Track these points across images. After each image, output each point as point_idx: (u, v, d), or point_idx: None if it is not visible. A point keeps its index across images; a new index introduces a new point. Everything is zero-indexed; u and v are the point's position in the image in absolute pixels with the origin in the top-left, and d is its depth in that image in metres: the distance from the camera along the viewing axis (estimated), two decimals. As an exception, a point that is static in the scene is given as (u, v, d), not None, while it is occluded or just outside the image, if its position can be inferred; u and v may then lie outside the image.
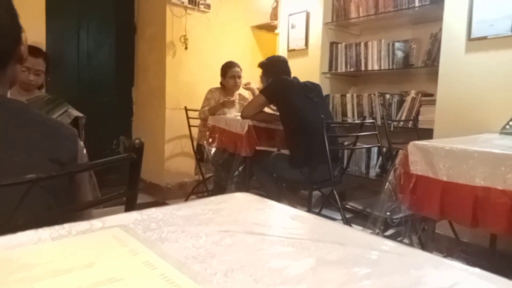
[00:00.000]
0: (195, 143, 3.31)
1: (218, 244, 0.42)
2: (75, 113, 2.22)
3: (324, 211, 3.02)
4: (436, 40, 2.62)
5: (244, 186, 2.87)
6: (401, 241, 2.11)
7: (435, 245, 2.28)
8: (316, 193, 3.06)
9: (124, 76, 3.68)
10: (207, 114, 3.04)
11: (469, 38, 2.28)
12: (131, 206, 0.68)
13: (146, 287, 0.32)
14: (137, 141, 0.67)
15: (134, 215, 0.49)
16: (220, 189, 3.08)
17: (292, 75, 2.69)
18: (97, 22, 3.47)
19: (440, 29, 2.46)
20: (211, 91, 3.22)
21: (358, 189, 3.27)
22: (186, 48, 3.42)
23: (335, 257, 0.41)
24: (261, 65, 2.80)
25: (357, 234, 0.50)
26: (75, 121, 2.24)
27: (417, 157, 1.50)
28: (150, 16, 3.51)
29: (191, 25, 3.44)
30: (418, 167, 1.50)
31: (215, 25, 3.62)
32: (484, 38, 2.21)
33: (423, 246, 1.95)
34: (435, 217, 1.45)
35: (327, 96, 3.28)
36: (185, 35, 3.39)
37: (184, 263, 0.37)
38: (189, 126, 3.30)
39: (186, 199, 3.40)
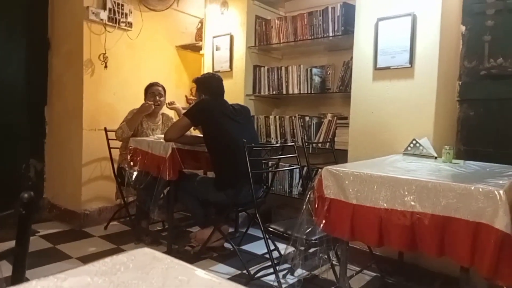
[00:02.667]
0: (115, 166, 3.15)
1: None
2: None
3: (251, 230, 3.07)
4: (348, 67, 2.85)
5: (168, 210, 2.79)
6: (321, 257, 2.21)
7: (350, 259, 2.44)
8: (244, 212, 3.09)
9: (35, 94, 3.40)
10: (126, 131, 2.92)
11: (376, 68, 2.51)
12: (20, 265, 0.62)
13: None
14: (25, 195, 0.62)
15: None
16: (142, 213, 2.96)
17: (218, 96, 2.71)
18: (4, 33, 3.17)
19: (351, 58, 2.68)
20: (132, 112, 3.10)
21: (283, 207, 3.37)
22: (106, 67, 3.27)
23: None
24: (196, 80, 2.80)
25: None
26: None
27: (330, 181, 1.60)
28: (66, 32, 3.31)
29: (111, 43, 3.31)
30: (331, 191, 1.60)
31: (137, 43, 3.53)
32: (388, 68, 2.46)
33: (339, 260, 2.07)
34: (347, 238, 1.55)
35: (253, 117, 3.36)
36: (104, 53, 3.25)
37: None
38: (109, 148, 3.14)
39: (107, 226, 3.20)
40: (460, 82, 2.49)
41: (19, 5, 3.24)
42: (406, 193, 1.39)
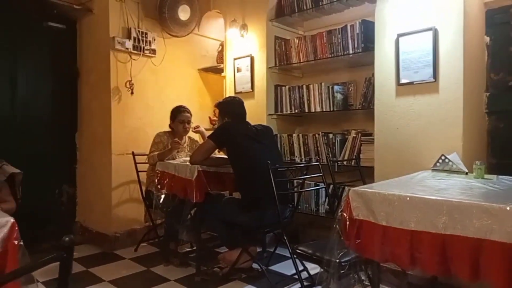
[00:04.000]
0: (143, 189, 3.23)
1: None
2: (11, 169, 2.09)
3: (279, 250, 3.05)
4: (370, 84, 2.84)
5: (195, 231, 2.82)
6: (352, 277, 2.18)
7: (383, 279, 2.38)
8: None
9: (65, 122, 3.55)
10: (156, 159, 3.00)
11: (398, 83, 2.49)
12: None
13: None
14: (67, 239, 0.65)
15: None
16: (170, 235, 3.01)
17: (243, 116, 2.75)
18: (33, 68, 3.34)
19: (373, 74, 2.67)
20: (159, 135, 3.19)
21: (310, 226, 3.34)
22: (132, 93, 3.39)
23: None
24: (218, 105, 2.86)
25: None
26: (11, 178, 2.11)
27: (358, 203, 1.58)
28: (94, 62, 3.46)
29: (136, 70, 3.43)
30: (360, 212, 1.58)
31: (161, 69, 3.65)
32: (411, 83, 2.43)
33: (371, 282, 2.02)
34: (378, 259, 1.52)
35: (275, 136, 3.38)
36: (130, 80, 3.37)
37: None
38: (137, 171, 3.23)
39: (137, 248, 3.26)
40: (487, 94, 2.44)
41: (47, 37, 3.42)
42: (437, 214, 1.36)
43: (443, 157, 2.16)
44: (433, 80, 2.33)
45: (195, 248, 3.04)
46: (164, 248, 3.05)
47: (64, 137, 3.57)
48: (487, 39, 2.43)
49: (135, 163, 3.23)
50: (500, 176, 1.96)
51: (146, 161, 3.15)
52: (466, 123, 2.26)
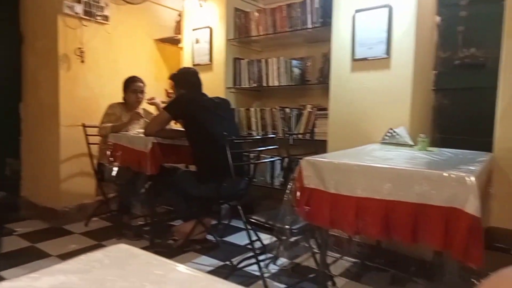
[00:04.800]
0: (95, 162, 3.11)
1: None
2: None
3: (233, 222, 3.09)
4: (327, 59, 2.87)
5: (150, 204, 2.78)
6: (302, 246, 2.25)
7: (331, 247, 2.49)
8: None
9: (9, 91, 3.31)
10: (108, 131, 2.88)
11: (353, 59, 2.54)
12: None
13: None
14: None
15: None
16: (124, 208, 2.94)
17: (199, 89, 2.70)
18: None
19: (330, 49, 2.70)
20: (112, 106, 3.07)
21: (265, 199, 3.39)
22: (82, 61, 3.20)
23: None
24: (172, 76, 2.78)
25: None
26: None
27: (310, 172, 1.62)
28: (40, 26, 3.21)
29: (88, 37, 3.24)
30: (311, 181, 1.62)
31: (114, 37, 3.46)
32: (365, 59, 2.49)
33: (320, 248, 2.11)
34: (326, 227, 1.58)
35: (233, 110, 3.36)
36: (81, 48, 3.18)
37: None
38: (88, 143, 3.10)
39: (87, 222, 3.17)
40: (435, 72, 2.55)
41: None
42: (383, 181, 1.42)
43: (391, 131, 2.26)
44: (386, 56, 2.40)
45: (149, 221, 3.00)
46: (117, 222, 2.98)
47: (7, 107, 3.33)
48: (438, 18, 2.52)
49: (86, 135, 3.09)
50: (442, 149, 2.09)
51: (97, 134, 3.02)
52: (414, 99, 2.36)
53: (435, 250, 1.40)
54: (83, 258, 0.55)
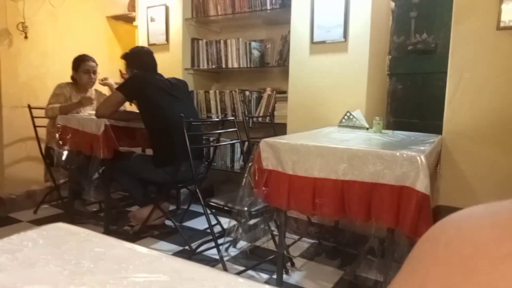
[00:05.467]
0: (43, 146, 2.92)
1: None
2: None
3: (193, 207, 3.05)
4: (286, 41, 2.86)
5: (104, 190, 2.67)
6: (261, 228, 2.26)
7: (290, 229, 2.52)
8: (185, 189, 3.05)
9: None
10: (56, 112, 2.71)
11: (312, 42, 2.55)
12: None
13: None
14: None
15: None
16: (76, 195, 2.81)
17: (155, 70, 2.60)
18: None
19: (289, 32, 2.69)
20: (60, 87, 2.88)
21: (225, 183, 3.38)
22: (26, 37, 2.96)
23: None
24: (124, 56, 2.63)
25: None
26: None
27: (268, 153, 1.61)
28: (-25, -3, 2.93)
29: (31, 11, 2.99)
30: (269, 163, 1.61)
31: (62, 12, 3.23)
32: (323, 42, 2.50)
33: (279, 229, 2.13)
34: (284, 208, 1.59)
35: (191, 92, 3.28)
36: (23, 23, 2.94)
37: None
38: (35, 126, 2.90)
39: (36, 210, 2.99)
40: (390, 57, 2.61)
41: None
42: (338, 162, 1.44)
43: (348, 114, 2.30)
44: (343, 40, 2.43)
45: (103, 207, 2.89)
46: (69, 209, 2.84)
47: None
48: (392, 4, 2.57)
49: (32, 117, 2.89)
50: (396, 131, 2.16)
51: (44, 115, 2.83)
52: (370, 83, 2.42)
53: (388, 228, 1.45)
54: (14, 238, 0.50)
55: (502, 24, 1.89)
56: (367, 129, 2.22)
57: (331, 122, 2.46)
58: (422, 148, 1.47)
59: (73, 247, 0.48)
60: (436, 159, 1.91)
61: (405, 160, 1.30)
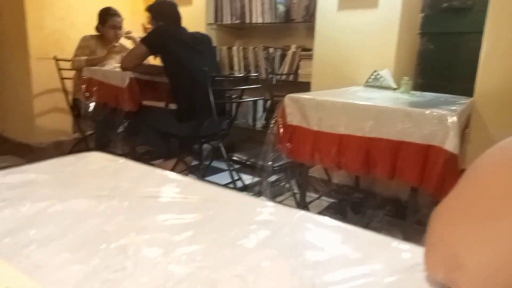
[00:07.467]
0: (70, 97, 2.99)
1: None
2: None
3: (214, 163, 3.10)
4: (313, -4, 2.74)
5: (129, 143, 2.74)
6: (283, 186, 2.30)
7: (310, 188, 2.56)
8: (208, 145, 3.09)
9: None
10: (83, 64, 2.74)
11: (341, -4, 2.44)
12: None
13: None
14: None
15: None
16: (102, 147, 2.89)
17: (178, 24, 2.56)
18: None
19: (318, -15, 2.58)
20: (85, 39, 2.88)
21: (247, 141, 3.40)
22: (50, -13, 2.95)
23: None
24: (149, 8, 2.60)
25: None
26: None
27: (293, 109, 1.61)
28: None
29: (55, -41, 2.95)
30: (294, 118, 1.61)
31: (85, -38, 3.18)
32: (354, -3, 2.39)
33: (300, 188, 2.16)
34: (308, 162, 1.61)
35: (215, 48, 3.23)
36: (48, -28, 2.91)
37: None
38: (61, 78, 2.95)
39: (65, 160, 3.11)
40: (422, 15, 2.48)
41: None
42: (365, 119, 1.43)
43: (375, 73, 2.24)
44: (375, -6, 2.31)
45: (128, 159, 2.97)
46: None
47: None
48: (431, -44, 2.41)
49: (58, 69, 2.93)
50: (424, 92, 2.10)
51: (70, 67, 2.87)
52: (400, 42, 2.32)
53: (411, 188, 1.45)
54: (54, 161, 0.53)
55: (550, -21, 1.75)
56: (394, 89, 2.17)
57: (357, 81, 2.41)
58: (453, 107, 1.43)
59: (111, 172, 0.51)
60: (465, 122, 1.86)
61: (435, 118, 1.28)
